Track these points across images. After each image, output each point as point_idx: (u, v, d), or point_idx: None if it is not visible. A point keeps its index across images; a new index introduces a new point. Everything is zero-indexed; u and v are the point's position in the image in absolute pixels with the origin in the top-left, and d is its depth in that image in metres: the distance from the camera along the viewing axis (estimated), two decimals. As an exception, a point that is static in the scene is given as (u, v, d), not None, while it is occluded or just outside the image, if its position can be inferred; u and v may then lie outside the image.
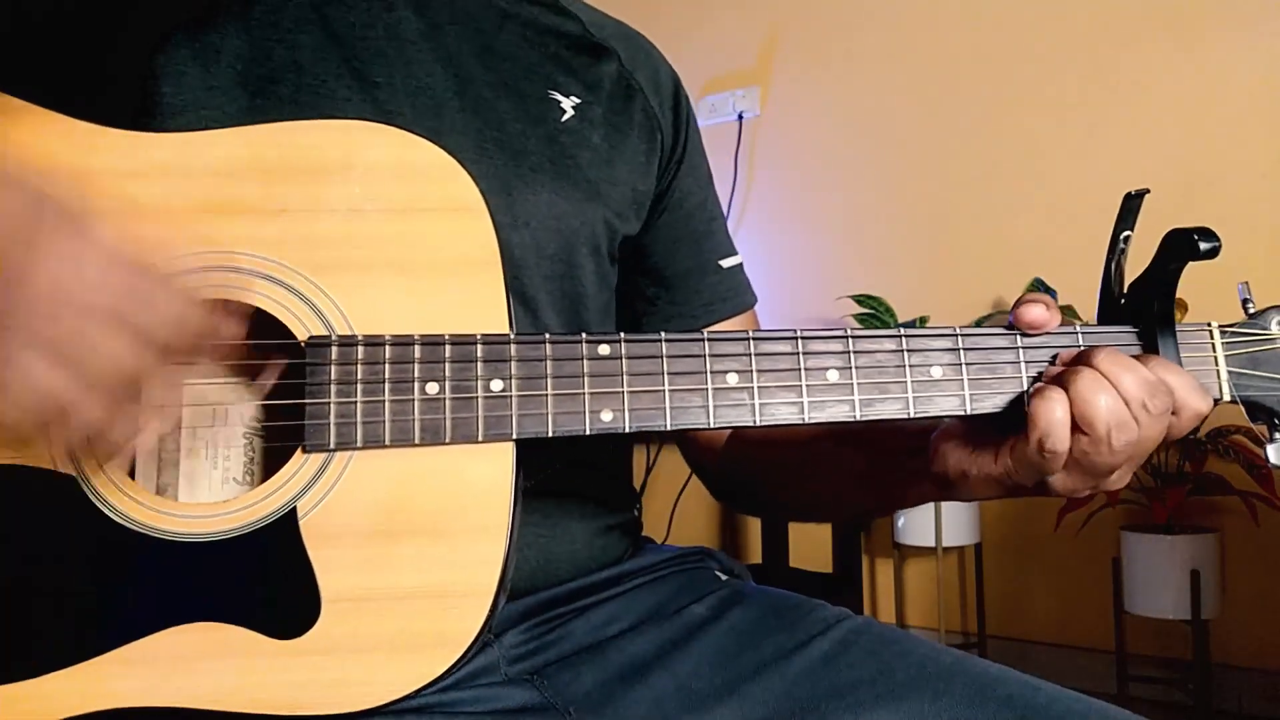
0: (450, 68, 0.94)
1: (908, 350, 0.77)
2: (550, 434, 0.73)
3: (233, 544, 0.71)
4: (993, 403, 0.77)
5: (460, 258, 0.76)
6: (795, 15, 3.66)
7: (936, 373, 0.77)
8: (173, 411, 0.75)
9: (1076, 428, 0.73)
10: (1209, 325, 0.80)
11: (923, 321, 3.11)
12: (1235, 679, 2.85)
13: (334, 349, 0.73)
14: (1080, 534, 2.89)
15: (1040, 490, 0.77)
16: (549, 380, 0.74)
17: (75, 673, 0.69)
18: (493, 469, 0.73)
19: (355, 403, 0.72)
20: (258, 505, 0.72)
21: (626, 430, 0.74)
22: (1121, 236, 0.78)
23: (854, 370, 0.76)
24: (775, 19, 3.70)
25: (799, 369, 0.76)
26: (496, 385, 0.73)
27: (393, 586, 0.72)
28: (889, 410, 0.76)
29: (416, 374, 0.73)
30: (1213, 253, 0.73)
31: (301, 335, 0.73)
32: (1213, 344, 0.79)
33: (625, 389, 0.74)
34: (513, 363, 0.74)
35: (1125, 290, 0.80)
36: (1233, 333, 0.80)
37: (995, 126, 3.27)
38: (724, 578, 1.02)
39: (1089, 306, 0.82)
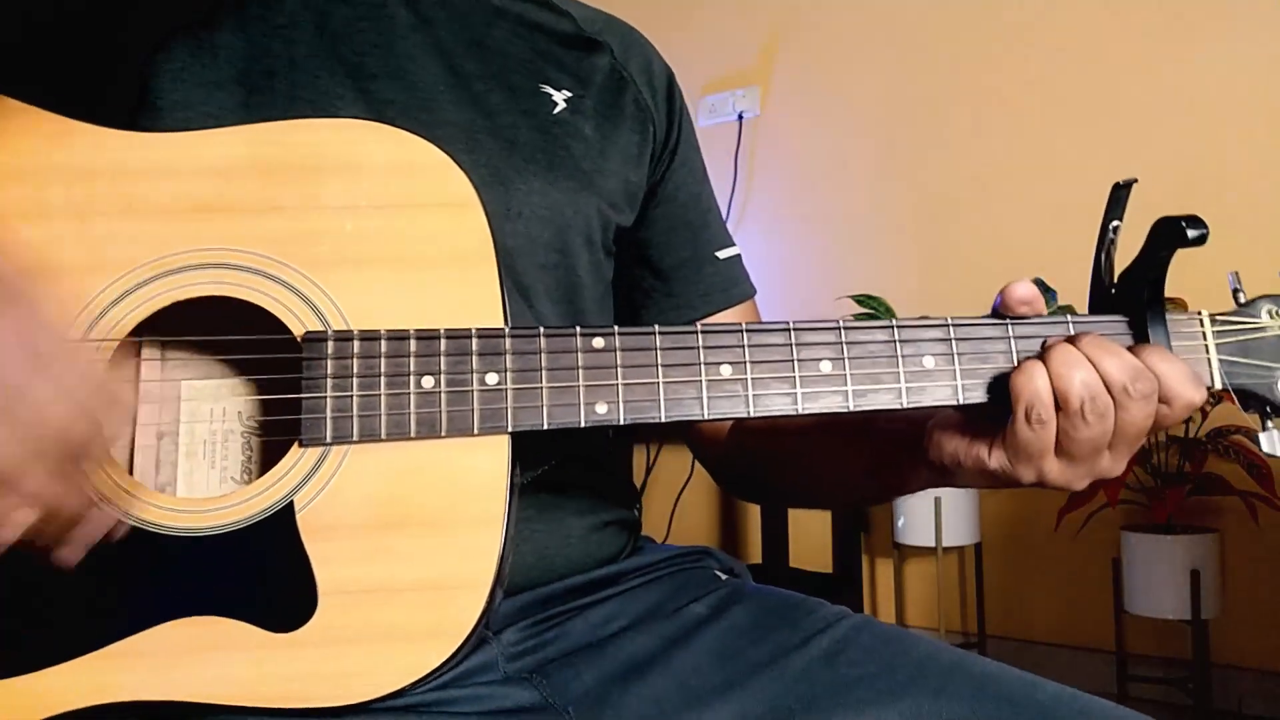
0: (442, 61, 0.95)
1: (900, 341, 0.77)
2: (545, 426, 0.74)
3: (230, 538, 0.72)
4: (984, 391, 0.77)
5: (455, 252, 0.77)
6: (795, 15, 3.66)
7: (929, 363, 0.77)
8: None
9: (1055, 405, 0.73)
10: (1200, 314, 0.80)
11: (922, 322, 3.11)
12: (1235, 679, 2.84)
13: (330, 344, 0.74)
14: (1080, 534, 2.89)
15: (1038, 482, 0.77)
16: (544, 373, 0.74)
17: (74, 667, 0.70)
18: (488, 462, 0.74)
19: (351, 397, 0.73)
20: (255, 499, 0.72)
21: (621, 422, 0.74)
22: (1111, 226, 0.79)
23: (846, 361, 0.76)
24: (775, 19, 3.70)
25: (792, 360, 0.76)
26: (492, 379, 0.74)
27: (390, 579, 0.72)
28: (881, 401, 0.76)
29: (412, 368, 0.73)
30: (1201, 240, 0.74)
31: (298, 331, 0.74)
32: (1203, 332, 0.80)
33: (620, 381, 0.74)
34: (508, 356, 0.74)
35: (1116, 280, 0.80)
36: (1223, 321, 0.80)
37: (995, 127, 3.26)
38: (723, 577, 1.02)
39: (1088, 306, 0.82)
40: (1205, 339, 0.80)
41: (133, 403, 0.72)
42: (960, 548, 3.16)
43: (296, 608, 0.71)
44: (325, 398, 0.73)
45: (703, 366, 0.75)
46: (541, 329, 0.75)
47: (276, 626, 0.71)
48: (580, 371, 0.75)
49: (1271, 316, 0.80)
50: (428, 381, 0.73)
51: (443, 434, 0.73)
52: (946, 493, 2.89)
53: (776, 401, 0.76)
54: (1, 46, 0.87)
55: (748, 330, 0.77)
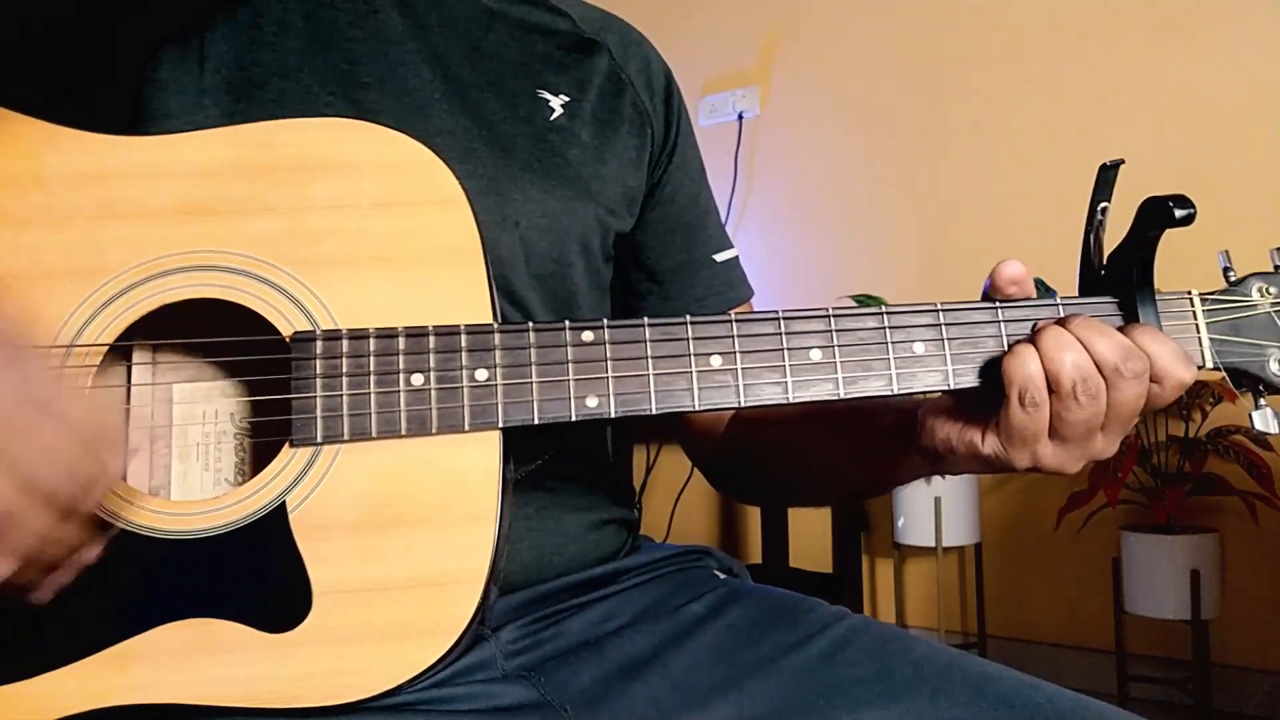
0: (437, 68, 0.95)
1: (890, 327, 0.77)
2: (536, 421, 0.73)
3: (223, 540, 0.72)
4: (975, 376, 0.77)
5: (443, 249, 0.76)
6: (795, 15, 3.67)
7: (919, 349, 0.77)
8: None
9: (1048, 388, 0.73)
10: (1189, 293, 0.80)
11: (921, 322, 3.10)
12: (1235, 679, 2.84)
13: (319, 343, 0.73)
14: (1080, 534, 2.88)
15: (1032, 466, 0.76)
16: (534, 368, 0.74)
17: (71, 671, 0.70)
18: (480, 458, 0.73)
19: (341, 396, 0.73)
20: (247, 500, 0.72)
21: (612, 415, 0.74)
22: (1099, 208, 0.79)
23: (836, 349, 0.76)
24: (775, 19, 3.71)
25: (782, 349, 0.76)
26: (482, 375, 0.73)
27: (384, 577, 0.72)
28: (872, 388, 0.76)
29: (401, 366, 0.73)
30: (1188, 219, 0.73)
31: (287, 331, 0.74)
32: (1193, 311, 0.79)
33: (610, 374, 0.74)
34: (497, 351, 0.74)
35: (1104, 261, 0.80)
36: (1214, 300, 0.80)
37: (994, 126, 3.27)
38: (722, 576, 1.02)
39: (1082, 300, 0.82)
40: (1195, 318, 0.79)
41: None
42: (960, 548, 3.16)
43: (291, 608, 0.71)
44: (315, 397, 0.73)
45: (692, 357, 0.75)
46: (531, 324, 0.75)
47: (272, 627, 0.71)
48: (570, 365, 0.74)
49: (1262, 294, 0.79)
50: (417, 379, 0.73)
51: (434, 431, 0.73)
52: (946, 493, 2.89)
53: (767, 391, 0.75)
54: None
55: (737, 320, 0.76)
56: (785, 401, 0.76)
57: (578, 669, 0.87)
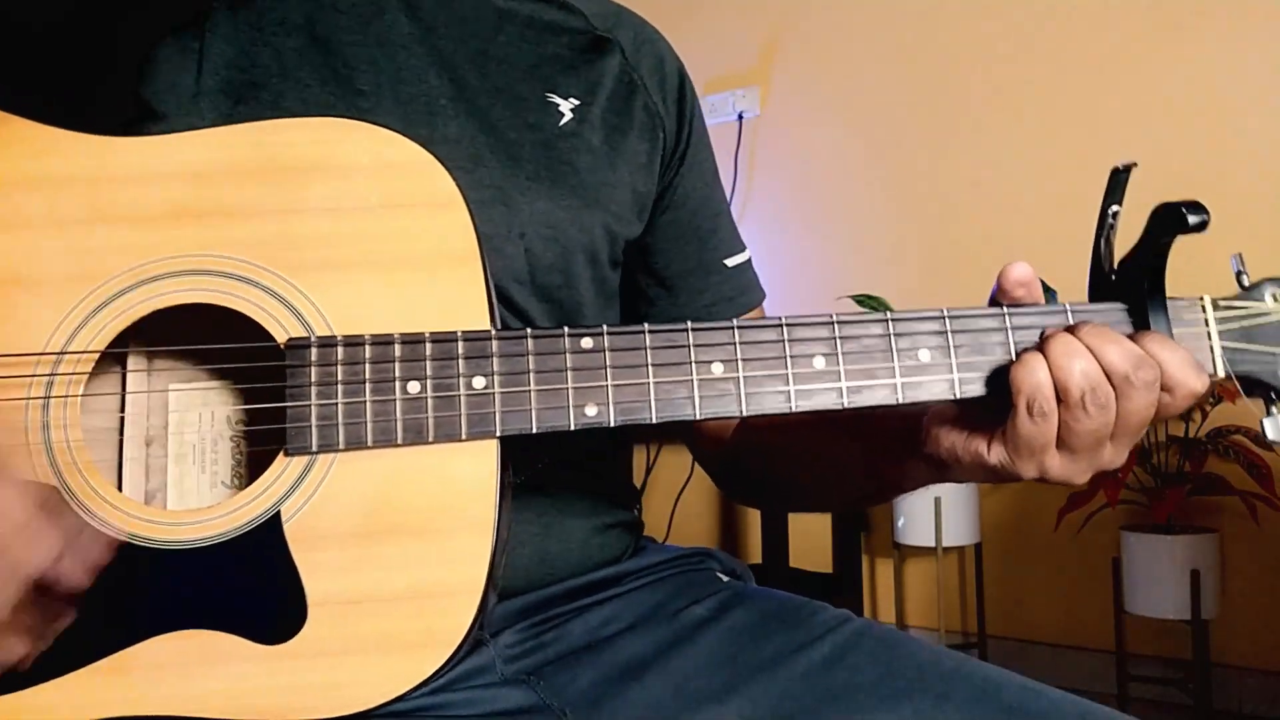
0: (444, 73, 0.93)
1: (895, 334, 0.75)
2: (534, 430, 0.72)
3: (218, 550, 0.71)
4: (982, 384, 0.76)
5: (439, 253, 0.75)
6: (795, 15, 3.66)
7: (925, 356, 0.75)
8: None
9: (1055, 396, 0.72)
10: (1201, 299, 0.78)
11: (921, 322, 3.10)
12: (1235, 679, 2.84)
13: (313, 350, 0.72)
14: (1080, 534, 2.88)
15: (1039, 477, 0.75)
16: (531, 375, 0.73)
17: (65, 683, 0.69)
18: (477, 466, 0.72)
19: (336, 404, 0.72)
20: (241, 510, 0.71)
21: (611, 424, 0.73)
22: (1110, 211, 0.77)
23: (840, 357, 0.75)
24: (775, 19, 3.70)
25: (784, 357, 0.75)
26: (479, 382, 0.72)
27: (380, 587, 0.71)
28: (877, 397, 0.75)
29: (397, 373, 0.72)
30: (1202, 226, 0.72)
31: (280, 338, 0.73)
32: (1205, 318, 0.78)
33: (609, 382, 0.73)
34: (494, 359, 0.73)
35: (1115, 266, 0.78)
36: (1226, 306, 0.78)
37: (995, 126, 3.26)
38: (725, 579, 1.01)
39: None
40: (1207, 325, 0.78)
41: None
42: (960, 548, 3.15)
43: (287, 619, 0.70)
44: (310, 405, 0.71)
45: (694, 365, 0.74)
46: (529, 330, 0.74)
47: (267, 638, 0.70)
48: (569, 373, 0.73)
49: (1275, 300, 0.78)
50: (413, 386, 0.72)
51: (430, 440, 0.72)
52: (946, 493, 2.88)
53: (769, 400, 0.74)
54: None
55: (739, 327, 0.75)
56: (788, 410, 0.74)
57: (577, 673, 0.87)
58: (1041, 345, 0.73)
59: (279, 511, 0.71)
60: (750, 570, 1.07)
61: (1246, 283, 0.79)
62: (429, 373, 0.72)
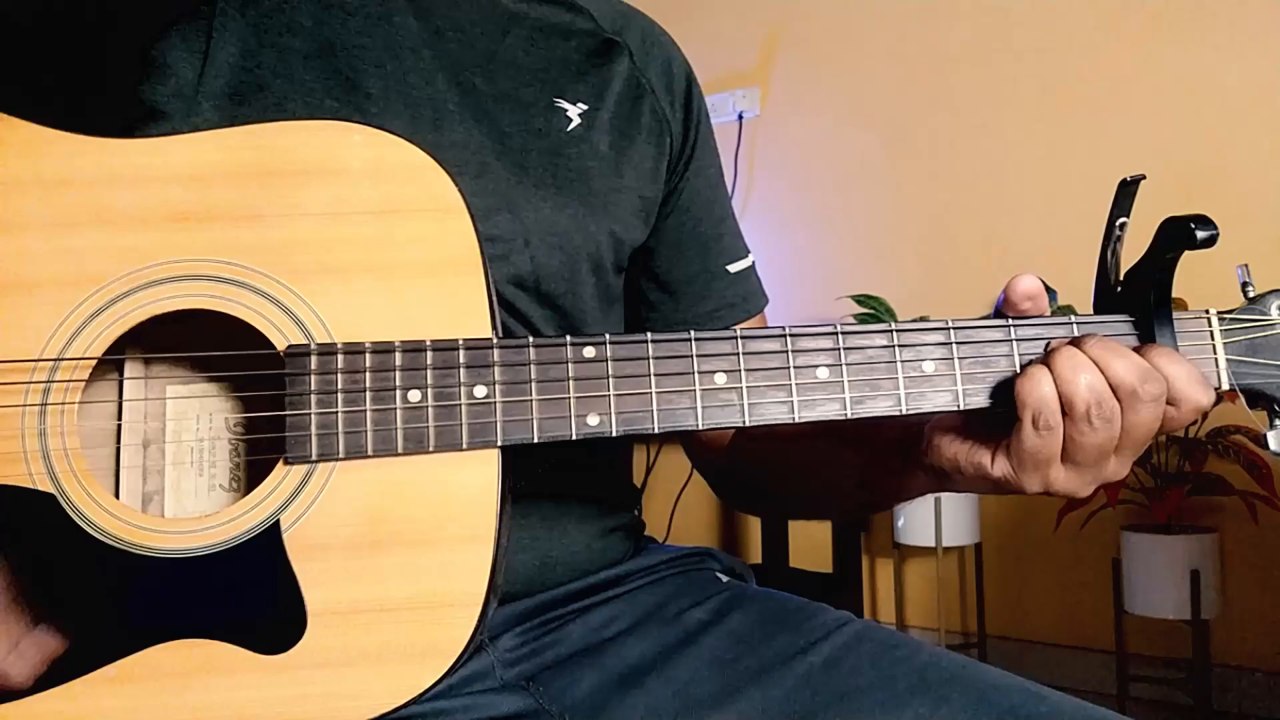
0: (451, 77, 0.92)
1: (899, 345, 0.75)
2: (536, 440, 0.72)
3: (216, 559, 0.70)
4: (986, 396, 0.75)
5: (440, 259, 0.74)
6: (795, 15, 3.66)
7: (929, 368, 0.75)
8: None
9: (1061, 410, 0.71)
10: (1207, 312, 0.78)
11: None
12: (1235, 679, 2.84)
13: (313, 358, 0.71)
14: (1080, 534, 2.89)
15: (1043, 490, 0.75)
16: (533, 385, 0.72)
17: (62, 693, 0.68)
18: (478, 476, 0.72)
19: (336, 413, 0.71)
20: (240, 519, 0.70)
21: (613, 434, 0.72)
22: (1117, 223, 0.76)
23: (844, 367, 0.74)
24: (775, 19, 3.70)
25: (788, 367, 0.74)
26: (480, 391, 0.72)
27: (380, 598, 0.70)
28: (881, 408, 0.74)
29: (398, 382, 0.72)
30: (1210, 241, 0.71)
31: (280, 344, 0.72)
32: (1210, 332, 0.77)
33: (611, 392, 0.72)
34: (496, 368, 0.72)
35: (1122, 278, 0.78)
36: (1231, 319, 0.78)
37: (995, 126, 3.26)
38: (725, 579, 1.01)
39: (1088, 306, 0.81)
40: (1213, 338, 0.77)
41: None
42: (960, 548, 3.16)
43: (286, 629, 0.70)
44: (309, 414, 0.71)
45: (696, 375, 0.73)
46: (531, 339, 0.73)
47: (266, 648, 0.69)
48: (571, 383, 0.72)
49: None
50: (414, 395, 0.71)
51: (431, 449, 0.71)
52: (946, 493, 2.88)
53: (773, 410, 0.73)
54: None
55: (743, 337, 0.74)
56: (791, 421, 0.74)
57: (577, 677, 0.87)
58: (1046, 358, 0.72)
59: (278, 520, 0.70)
60: (750, 570, 1.07)
61: (1252, 294, 0.78)
62: (430, 381, 0.72)
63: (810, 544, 3.20)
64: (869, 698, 0.80)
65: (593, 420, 0.72)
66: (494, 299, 0.75)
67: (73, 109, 0.79)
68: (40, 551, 0.70)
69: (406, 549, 0.71)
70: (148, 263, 0.73)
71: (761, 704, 0.81)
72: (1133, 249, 0.77)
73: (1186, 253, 0.73)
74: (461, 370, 0.72)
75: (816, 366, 0.74)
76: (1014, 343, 0.76)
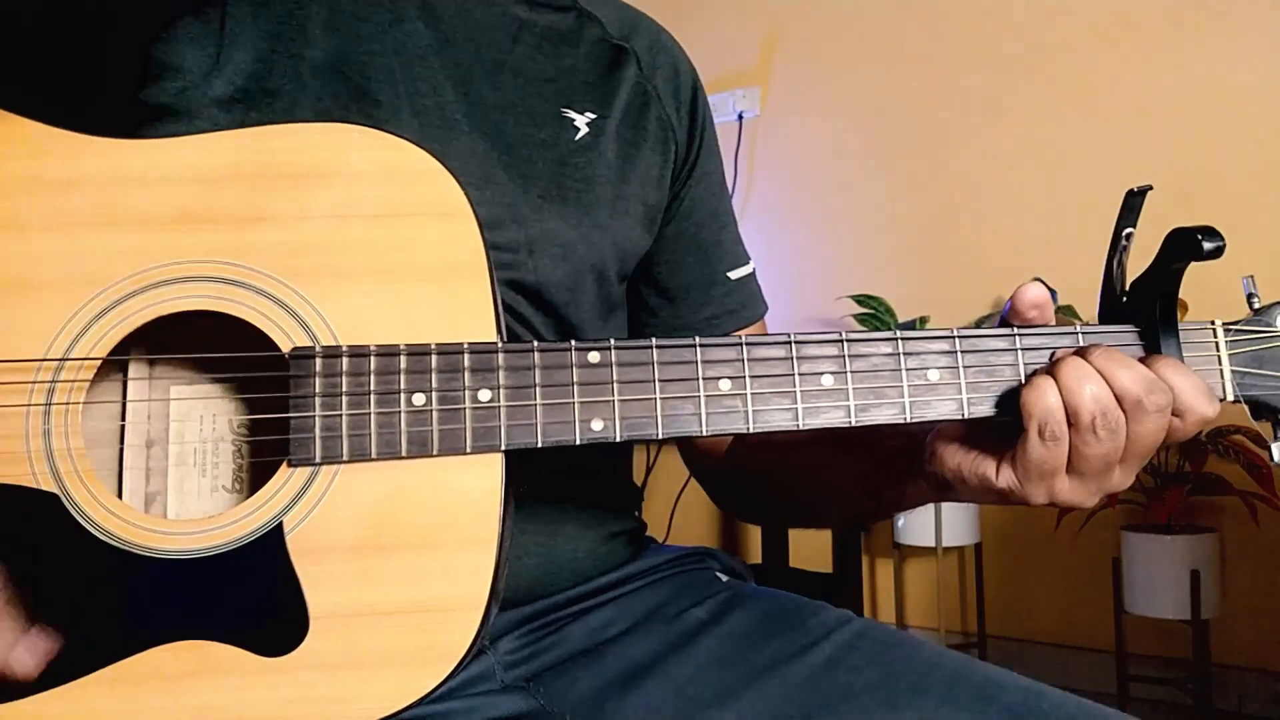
0: (459, 86, 0.92)
1: (904, 354, 0.75)
2: (540, 444, 0.72)
3: (218, 561, 0.70)
4: (990, 405, 0.75)
5: (446, 263, 0.74)
6: (795, 15, 3.66)
7: (933, 376, 0.74)
8: None
9: (1067, 420, 0.71)
10: (1212, 324, 0.77)
11: (923, 322, 3.11)
12: (1235, 679, 2.84)
13: (318, 360, 0.71)
14: (1080, 534, 2.89)
15: (1049, 501, 0.74)
16: (538, 389, 0.72)
17: (61, 694, 0.68)
18: (482, 480, 0.72)
19: (340, 415, 0.71)
20: (243, 521, 0.70)
21: (617, 439, 0.72)
22: (1124, 234, 0.76)
23: (849, 375, 0.74)
24: (775, 19, 3.70)
25: (793, 374, 0.74)
26: (484, 395, 0.72)
27: (382, 601, 0.70)
28: (885, 416, 0.74)
29: (402, 385, 0.71)
30: (1217, 252, 0.71)
31: (285, 346, 0.72)
32: (1216, 343, 0.77)
33: (616, 397, 0.72)
34: (500, 372, 0.72)
35: (1127, 289, 0.78)
36: (1237, 331, 0.77)
37: (995, 126, 3.26)
38: (725, 579, 1.01)
39: (1089, 306, 0.81)
40: (1218, 349, 0.77)
41: None
42: (960, 548, 3.16)
43: (288, 631, 0.70)
44: (313, 416, 0.71)
45: (701, 381, 0.73)
46: (535, 344, 0.73)
47: (268, 650, 0.69)
48: (575, 387, 0.72)
49: None
50: (419, 399, 0.71)
51: (434, 453, 0.71)
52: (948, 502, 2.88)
53: (777, 417, 0.73)
54: None
55: (747, 344, 0.74)
56: (796, 428, 0.73)
57: (577, 677, 0.87)
58: (1052, 368, 0.72)
59: (281, 523, 0.70)
60: (750, 569, 1.07)
61: (1257, 305, 0.78)
62: (434, 384, 0.72)
63: (810, 544, 3.20)
64: (870, 696, 0.80)
65: (597, 425, 0.72)
66: (499, 303, 0.75)
67: (78, 109, 0.79)
68: (42, 551, 0.70)
69: (409, 552, 0.71)
70: (153, 264, 0.73)
71: (762, 703, 0.81)
72: (1134, 253, 0.77)
73: (1196, 270, 0.73)
74: (466, 374, 0.72)
75: (821, 374, 0.74)
76: (1019, 352, 0.75)
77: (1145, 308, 0.76)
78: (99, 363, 0.72)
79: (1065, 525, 2.81)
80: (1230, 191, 2.86)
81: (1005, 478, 0.73)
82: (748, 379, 0.73)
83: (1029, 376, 0.73)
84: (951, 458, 0.76)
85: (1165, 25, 2.99)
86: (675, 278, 1.05)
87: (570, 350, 0.73)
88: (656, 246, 1.03)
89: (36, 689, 0.68)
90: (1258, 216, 2.79)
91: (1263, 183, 2.84)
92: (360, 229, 0.74)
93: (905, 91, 3.43)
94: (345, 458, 0.71)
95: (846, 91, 3.54)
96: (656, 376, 0.73)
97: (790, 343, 0.74)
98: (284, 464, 0.71)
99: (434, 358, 0.72)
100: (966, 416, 0.75)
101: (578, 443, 0.72)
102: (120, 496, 0.76)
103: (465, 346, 0.72)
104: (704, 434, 0.73)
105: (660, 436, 0.73)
